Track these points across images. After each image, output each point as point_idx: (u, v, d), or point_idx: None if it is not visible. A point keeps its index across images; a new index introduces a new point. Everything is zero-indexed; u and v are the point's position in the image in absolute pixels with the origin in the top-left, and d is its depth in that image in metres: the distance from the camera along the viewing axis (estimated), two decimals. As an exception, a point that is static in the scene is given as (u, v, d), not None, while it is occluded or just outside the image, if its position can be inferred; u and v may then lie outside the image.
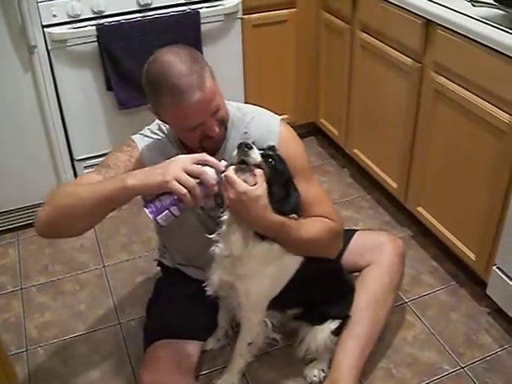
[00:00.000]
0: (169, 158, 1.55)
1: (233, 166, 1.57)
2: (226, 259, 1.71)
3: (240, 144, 1.56)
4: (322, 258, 1.81)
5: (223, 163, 1.56)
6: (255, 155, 1.58)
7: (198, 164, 1.50)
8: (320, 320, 1.90)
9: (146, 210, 1.51)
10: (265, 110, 1.87)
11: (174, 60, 1.56)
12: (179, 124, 1.64)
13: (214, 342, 2.06)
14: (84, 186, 1.60)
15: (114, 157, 1.74)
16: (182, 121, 1.61)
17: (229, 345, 2.05)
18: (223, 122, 1.71)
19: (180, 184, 1.45)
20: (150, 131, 1.81)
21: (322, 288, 1.86)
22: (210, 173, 1.51)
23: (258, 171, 1.58)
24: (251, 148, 1.57)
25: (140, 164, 1.69)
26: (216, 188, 1.53)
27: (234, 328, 2.04)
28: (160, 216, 1.51)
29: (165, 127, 1.79)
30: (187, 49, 1.62)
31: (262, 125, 1.78)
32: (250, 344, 1.87)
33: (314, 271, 1.79)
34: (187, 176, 1.47)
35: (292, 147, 1.77)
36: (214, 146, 1.72)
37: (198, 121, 1.60)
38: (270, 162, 1.63)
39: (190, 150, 1.73)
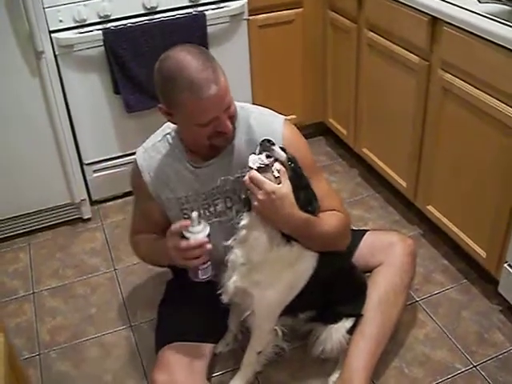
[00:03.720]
0: (167, 176, 1.77)
1: (254, 167, 1.60)
2: (242, 266, 1.71)
3: (262, 140, 1.61)
4: (335, 259, 1.81)
5: (194, 214, 1.65)
6: (279, 152, 1.61)
7: (179, 232, 1.66)
8: (334, 319, 1.89)
9: (191, 279, 1.75)
10: (268, 110, 1.88)
11: (188, 57, 1.60)
12: (194, 119, 1.65)
13: (223, 346, 2.05)
14: (148, 249, 1.94)
15: (140, 205, 1.94)
16: (197, 116, 1.63)
17: (242, 349, 2.01)
18: (233, 119, 1.74)
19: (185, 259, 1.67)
20: (153, 144, 1.84)
21: (335, 288, 1.86)
22: (193, 237, 1.65)
23: (282, 168, 1.61)
24: (273, 144, 1.61)
25: (147, 190, 1.84)
26: (207, 241, 1.66)
27: (243, 332, 2.03)
28: (199, 277, 1.73)
29: (170, 136, 1.81)
30: (197, 47, 1.68)
31: (266, 124, 1.80)
32: (259, 353, 1.86)
33: (327, 273, 1.79)
34: (182, 255, 1.66)
35: (297, 146, 1.78)
36: (223, 144, 1.75)
37: (213, 115, 1.63)
38: (290, 163, 1.64)
39: (194, 156, 1.77)
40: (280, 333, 1.86)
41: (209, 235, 1.66)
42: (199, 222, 1.66)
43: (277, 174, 1.61)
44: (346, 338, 1.87)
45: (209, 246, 1.66)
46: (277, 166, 1.62)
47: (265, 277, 1.72)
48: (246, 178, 1.61)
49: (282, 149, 1.66)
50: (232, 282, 1.74)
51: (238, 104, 1.81)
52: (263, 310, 1.77)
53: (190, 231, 1.65)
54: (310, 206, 1.68)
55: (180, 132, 1.79)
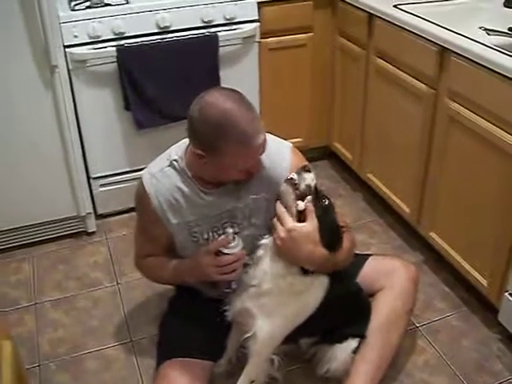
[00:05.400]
0: (177, 201, 1.80)
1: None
2: (251, 287, 1.73)
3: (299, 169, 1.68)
4: (342, 287, 1.82)
5: (230, 231, 1.74)
6: (308, 179, 1.66)
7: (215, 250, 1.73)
8: (340, 339, 1.90)
9: (221, 289, 1.84)
10: (273, 136, 1.89)
11: (236, 106, 1.61)
12: (233, 165, 1.68)
13: (216, 367, 1.98)
14: (164, 270, 1.95)
15: (148, 229, 1.92)
16: (240, 163, 1.67)
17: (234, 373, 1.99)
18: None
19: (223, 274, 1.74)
20: (160, 169, 1.83)
21: (340, 312, 1.86)
22: (230, 251, 1.72)
23: (309, 206, 1.63)
24: (309, 171, 1.66)
25: (156, 215, 1.84)
26: (244, 253, 1.74)
27: (239, 356, 2.00)
28: (232, 287, 1.82)
29: (176, 163, 1.81)
30: (235, 91, 1.68)
31: (274, 152, 1.81)
32: (252, 382, 1.84)
33: (334, 301, 1.79)
34: (221, 270, 1.73)
35: None
36: (246, 179, 1.78)
37: (254, 161, 1.69)
38: (324, 201, 1.67)
39: (203, 182, 1.79)
40: (276, 362, 1.86)
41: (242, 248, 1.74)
42: (234, 237, 1.73)
43: (301, 208, 1.63)
44: (351, 357, 1.88)
45: (245, 258, 1.74)
46: (301, 204, 1.64)
47: (271, 302, 1.72)
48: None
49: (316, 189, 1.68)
50: (239, 301, 1.76)
51: None
52: (265, 335, 1.75)
53: (229, 246, 1.72)
54: (335, 244, 1.69)
55: (199, 167, 1.76)
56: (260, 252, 1.73)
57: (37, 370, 2.13)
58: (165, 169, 1.82)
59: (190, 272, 1.84)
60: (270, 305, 1.72)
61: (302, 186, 1.65)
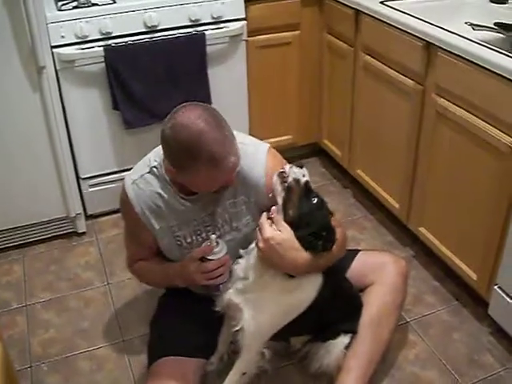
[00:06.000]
0: (158, 206, 1.81)
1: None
2: (240, 280, 1.74)
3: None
4: (334, 284, 1.82)
5: (213, 237, 1.74)
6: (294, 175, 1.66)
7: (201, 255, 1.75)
8: (333, 335, 1.90)
9: (211, 292, 1.84)
10: (251, 138, 1.90)
11: (206, 128, 1.58)
12: (207, 185, 1.69)
13: (208, 365, 1.99)
14: (155, 275, 2.00)
15: (135, 234, 1.94)
16: (211, 182, 1.68)
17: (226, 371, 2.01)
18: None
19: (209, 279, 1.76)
20: (140, 175, 1.83)
21: (332, 310, 1.86)
22: (215, 258, 1.73)
23: (275, 216, 1.66)
24: (302, 167, 1.68)
25: (141, 221, 1.86)
26: (228, 258, 1.76)
27: (229, 354, 2.01)
28: (221, 290, 1.80)
29: (156, 169, 1.82)
30: (209, 110, 1.65)
31: (250, 155, 1.80)
32: (243, 374, 1.84)
33: (327, 299, 1.79)
34: (207, 276, 1.75)
35: None
36: (221, 190, 1.78)
37: (224, 180, 1.68)
38: (313, 199, 1.67)
39: (183, 188, 1.79)
40: (267, 355, 1.85)
41: (226, 253, 1.75)
42: (217, 243, 1.74)
43: (270, 215, 1.67)
44: (343, 353, 1.88)
45: (230, 262, 1.76)
46: (271, 212, 1.67)
47: (258, 297, 1.72)
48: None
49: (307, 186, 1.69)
50: (228, 293, 1.76)
51: None
52: (252, 330, 1.75)
53: (213, 252, 1.73)
54: (327, 243, 1.69)
55: (173, 178, 1.78)
56: (252, 245, 1.73)
57: (28, 371, 2.13)
58: (145, 175, 1.82)
59: (178, 276, 1.86)
60: (256, 300, 1.72)
61: (289, 180, 1.65)
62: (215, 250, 1.73)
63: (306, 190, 1.68)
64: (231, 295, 1.75)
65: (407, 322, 2.28)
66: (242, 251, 1.80)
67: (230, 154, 1.61)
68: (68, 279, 2.59)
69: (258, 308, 1.73)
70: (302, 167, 1.68)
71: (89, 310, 2.41)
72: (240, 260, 1.77)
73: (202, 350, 1.94)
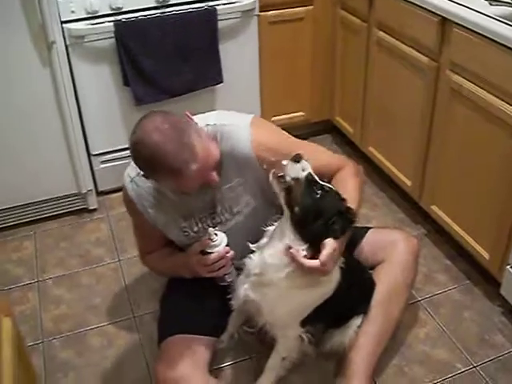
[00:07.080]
0: (159, 202, 1.83)
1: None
2: (255, 276, 1.70)
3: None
4: (350, 275, 1.79)
5: (211, 230, 1.73)
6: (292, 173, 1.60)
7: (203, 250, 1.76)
8: (346, 320, 1.90)
9: (218, 283, 1.86)
10: (233, 115, 1.86)
11: (162, 139, 1.57)
12: (183, 188, 1.72)
13: (219, 343, 1.99)
14: (165, 267, 2.03)
15: (143, 227, 1.96)
16: (183, 187, 1.71)
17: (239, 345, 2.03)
18: (218, 166, 1.74)
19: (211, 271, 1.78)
20: (137, 173, 1.81)
21: (347, 300, 1.83)
22: (213, 250, 1.74)
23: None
24: (297, 161, 1.60)
25: (144, 216, 1.88)
26: (228, 249, 1.76)
27: (239, 334, 2.02)
28: (227, 281, 1.84)
29: None
30: (168, 119, 1.62)
31: (232, 134, 1.78)
32: (284, 358, 1.84)
33: (344, 289, 1.76)
34: (208, 269, 1.78)
35: (267, 146, 1.78)
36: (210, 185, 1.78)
37: (200, 182, 1.69)
38: (317, 192, 1.60)
39: None
40: (306, 339, 1.83)
41: (227, 244, 1.75)
42: (216, 235, 1.73)
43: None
44: (355, 332, 1.87)
45: (231, 253, 1.75)
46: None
47: (276, 293, 1.68)
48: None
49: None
50: (243, 289, 1.76)
51: (205, 120, 1.81)
52: (278, 322, 1.75)
53: (211, 245, 1.73)
54: (343, 229, 1.64)
55: None
56: (264, 240, 1.72)
57: (40, 346, 2.15)
58: (141, 172, 1.80)
59: (184, 268, 1.88)
60: (274, 296, 1.68)
61: (288, 179, 1.59)
62: (214, 242, 1.73)
63: (308, 184, 1.60)
64: (247, 291, 1.74)
65: (418, 300, 2.28)
66: (252, 246, 1.75)
67: (188, 163, 1.59)
68: (79, 255, 2.60)
69: (275, 303, 1.70)
70: (299, 161, 1.59)
71: (100, 286, 2.43)
72: (252, 256, 1.73)
73: (212, 329, 1.94)
